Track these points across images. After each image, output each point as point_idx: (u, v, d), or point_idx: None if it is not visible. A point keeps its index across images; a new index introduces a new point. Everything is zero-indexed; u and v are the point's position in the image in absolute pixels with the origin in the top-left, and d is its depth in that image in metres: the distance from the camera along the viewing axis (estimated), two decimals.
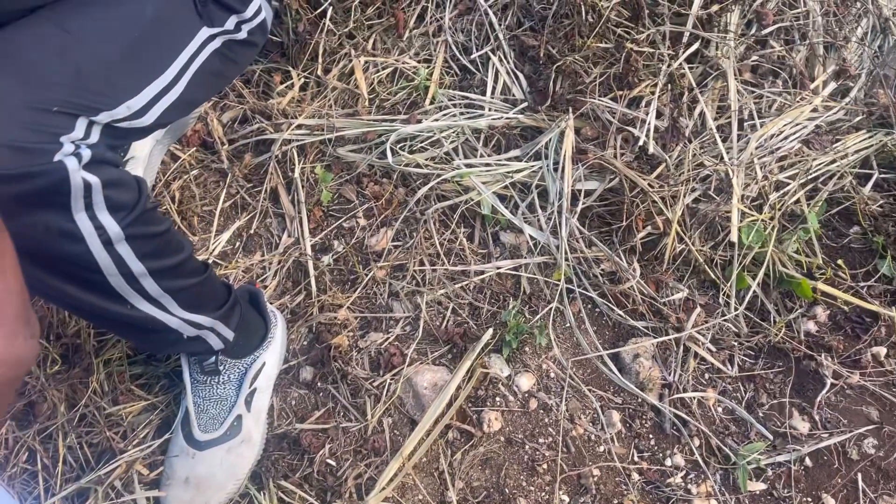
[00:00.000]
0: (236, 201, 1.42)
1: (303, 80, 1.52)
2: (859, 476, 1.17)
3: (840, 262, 1.35)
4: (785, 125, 1.42)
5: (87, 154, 0.72)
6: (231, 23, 0.95)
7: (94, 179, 0.72)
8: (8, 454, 1.09)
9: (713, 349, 1.28)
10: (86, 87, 0.75)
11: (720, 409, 1.24)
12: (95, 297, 0.81)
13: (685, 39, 1.52)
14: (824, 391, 1.23)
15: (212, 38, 0.91)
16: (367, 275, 1.31)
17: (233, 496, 1.10)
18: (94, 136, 0.75)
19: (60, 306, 1.00)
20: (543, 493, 1.14)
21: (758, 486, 1.17)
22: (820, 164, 1.39)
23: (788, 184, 1.36)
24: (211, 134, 1.47)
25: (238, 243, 1.37)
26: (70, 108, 0.73)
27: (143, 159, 1.32)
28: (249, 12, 0.96)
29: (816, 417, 1.22)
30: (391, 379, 1.20)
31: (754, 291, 1.30)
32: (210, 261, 1.33)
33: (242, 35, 0.96)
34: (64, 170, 0.70)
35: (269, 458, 1.15)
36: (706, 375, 1.27)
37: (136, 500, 1.07)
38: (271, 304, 1.27)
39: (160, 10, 0.85)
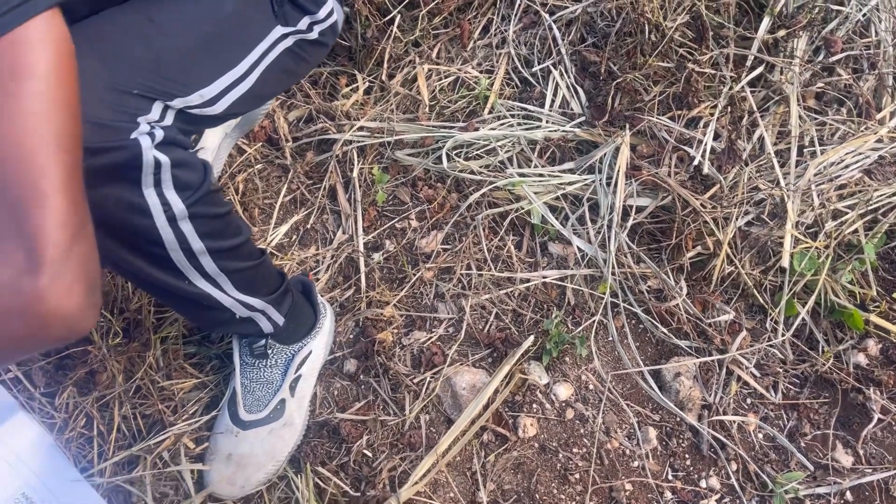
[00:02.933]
0: (296, 196, 1.47)
1: (367, 84, 1.57)
2: None
3: None
4: (847, 154, 1.40)
5: (160, 134, 0.77)
6: (304, 23, 1.00)
7: (164, 158, 0.77)
8: (67, 418, 1.16)
9: (757, 374, 1.27)
10: (164, 74, 0.81)
11: (760, 436, 1.23)
12: (157, 271, 0.86)
13: (749, 63, 1.51)
14: (870, 426, 1.21)
15: (285, 36, 0.96)
16: (415, 275, 1.35)
17: (272, 477, 1.14)
18: (168, 120, 0.81)
19: (126, 277, 1.06)
20: (573, 503, 1.15)
21: None
22: (881, 195, 1.37)
23: (846, 213, 1.34)
24: (277, 131, 1.53)
25: (295, 236, 1.43)
26: (148, 92, 0.79)
27: (212, 150, 1.39)
28: (322, 14, 1.01)
29: (860, 451, 1.20)
30: (431, 377, 1.23)
31: (803, 319, 1.28)
32: (267, 251, 1.38)
33: (314, 35, 1.01)
34: (138, 147, 0.75)
35: (309, 443, 1.18)
36: (748, 400, 1.26)
37: (182, 471, 1.12)
38: (322, 296, 1.31)
39: (239, 8, 0.90)
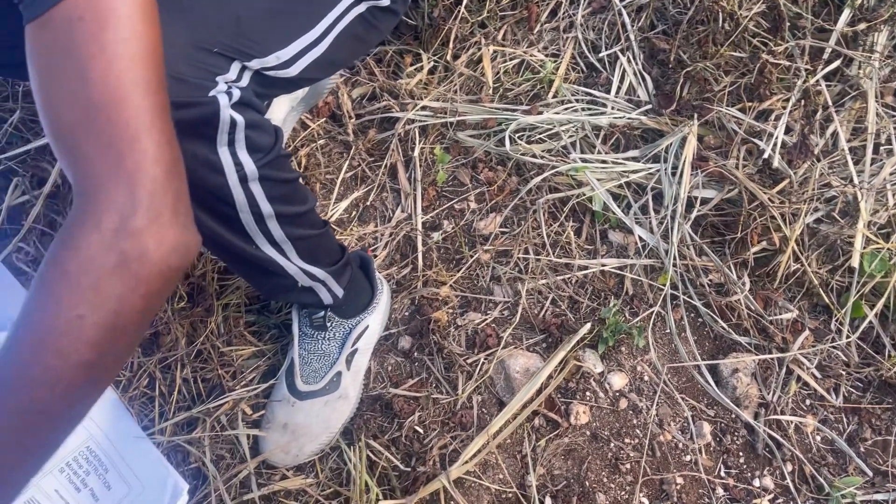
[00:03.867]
0: (357, 173, 1.48)
1: (432, 63, 1.57)
2: None
3: None
4: None
5: (236, 94, 0.78)
6: None
7: (239, 118, 0.78)
8: (131, 377, 1.20)
9: (818, 375, 1.24)
10: (242, 34, 0.82)
11: (818, 438, 1.20)
12: (227, 232, 0.88)
13: (826, 56, 1.47)
14: None
15: (358, 1, 0.97)
16: (472, 256, 1.35)
17: (325, 447, 1.16)
18: (245, 81, 0.82)
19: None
20: (623, 493, 1.14)
21: None
22: None
23: None
24: (340, 107, 1.54)
25: (354, 213, 1.44)
26: (227, 51, 0.80)
27: (278, 122, 1.41)
28: None
29: None
30: (485, 358, 1.23)
31: (870, 322, 1.25)
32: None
33: (385, 2, 1.01)
34: (216, 104, 0.76)
35: (362, 416, 1.20)
36: (807, 401, 1.23)
37: (238, 435, 1.14)
38: (379, 273, 1.32)
39: None
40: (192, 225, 0.64)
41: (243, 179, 0.82)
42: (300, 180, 0.92)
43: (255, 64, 0.83)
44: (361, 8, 0.97)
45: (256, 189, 0.84)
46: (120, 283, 0.59)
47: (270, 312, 1.28)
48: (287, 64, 0.88)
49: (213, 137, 0.78)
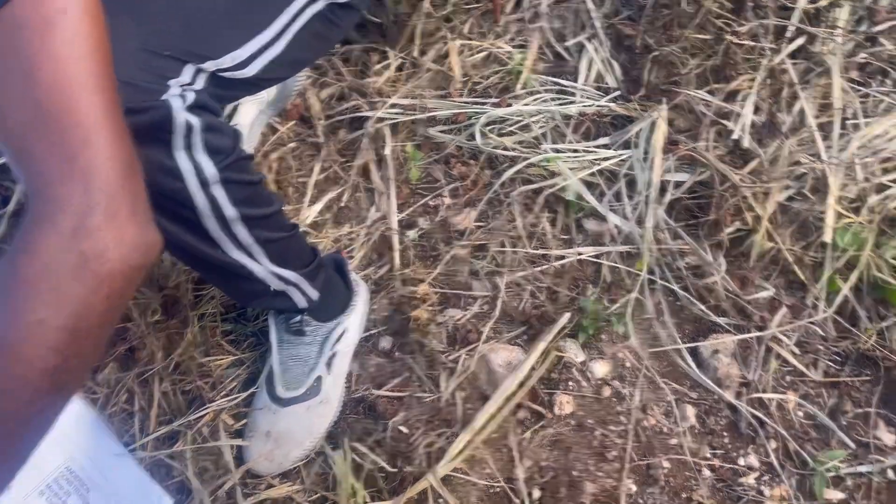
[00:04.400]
0: (329, 174, 1.47)
1: (399, 60, 1.56)
2: None
3: None
4: (891, 125, 1.36)
5: (191, 97, 0.77)
6: None
7: (195, 121, 0.77)
8: (109, 394, 1.18)
9: (797, 351, 1.25)
10: (195, 36, 0.81)
11: (800, 414, 1.21)
12: (193, 238, 0.87)
13: (789, 34, 1.48)
14: None
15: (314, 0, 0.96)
16: (448, 252, 1.34)
17: (309, 453, 1.15)
18: (200, 83, 0.81)
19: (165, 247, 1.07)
20: (611, 480, 1.15)
21: (835, 495, 1.14)
22: None
23: (891, 187, 1.31)
24: (309, 109, 1.53)
25: (329, 215, 1.43)
26: (179, 54, 0.79)
27: (245, 127, 1.39)
28: None
29: None
30: (466, 354, 1.23)
31: (845, 296, 1.26)
32: (302, 230, 1.38)
33: None
34: (168, 108, 0.75)
35: (346, 420, 1.19)
36: (787, 378, 1.24)
37: (221, 446, 1.13)
38: (356, 274, 1.31)
39: None
40: (152, 223, 0.63)
41: (204, 183, 0.81)
42: (264, 182, 0.91)
43: (210, 65, 0.82)
44: (319, 5, 0.96)
45: (219, 192, 0.83)
46: (80, 284, 0.58)
47: (248, 320, 1.26)
48: (243, 64, 0.87)
49: (168, 142, 0.77)
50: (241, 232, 0.89)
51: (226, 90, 0.86)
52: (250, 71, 0.88)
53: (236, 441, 1.14)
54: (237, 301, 1.18)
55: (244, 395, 1.19)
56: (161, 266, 1.22)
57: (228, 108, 1.34)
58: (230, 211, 0.86)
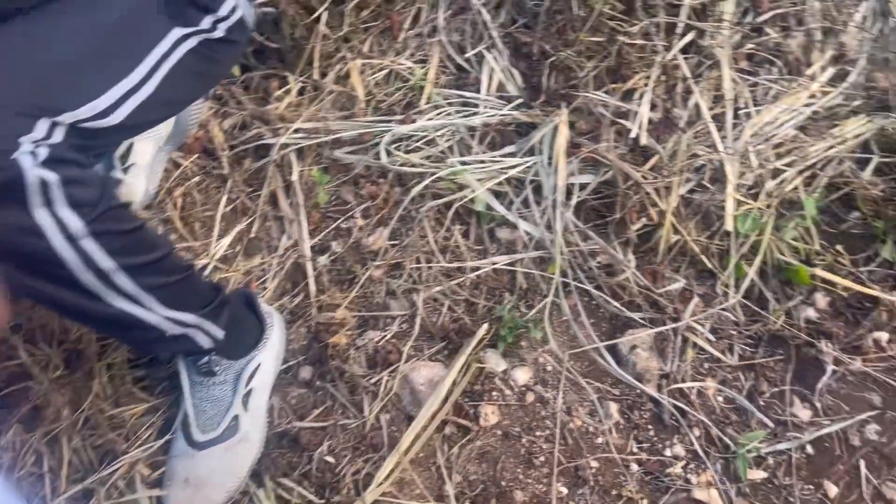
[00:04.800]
0: (237, 206, 1.44)
1: (300, 84, 1.55)
2: (862, 462, 1.16)
3: (840, 247, 1.33)
4: (780, 112, 1.42)
5: (44, 152, 0.74)
6: (206, 22, 0.96)
7: (51, 176, 0.74)
8: (15, 457, 1.13)
9: (712, 339, 1.27)
10: (45, 90, 0.78)
11: (720, 399, 1.24)
12: (70, 294, 0.83)
13: (679, 30, 1.52)
14: (825, 378, 1.22)
15: (186, 37, 0.93)
16: (364, 274, 1.33)
17: (233, 494, 1.12)
18: (58, 136, 0.77)
19: (46, 306, 1.03)
20: (541, 486, 1.15)
21: (758, 475, 1.17)
22: (817, 150, 1.38)
23: (785, 171, 1.36)
24: (212, 141, 1.50)
25: (239, 247, 1.40)
26: (29, 110, 0.76)
27: (145, 166, 1.35)
28: (224, 10, 0.98)
29: (818, 404, 1.21)
30: (388, 376, 1.22)
31: (752, 280, 1.29)
32: (212, 265, 1.36)
33: (220, 33, 0.97)
34: (17, 167, 0.72)
35: (269, 456, 1.16)
36: (705, 365, 1.27)
37: (139, 499, 1.09)
38: (270, 305, 1.29)
39: (128, 13, 0.87)
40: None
41: (70, 239, 0.78)
42: (146, 228, 0.88)
43: (67, 118, 0.79)
44: (192, 43, 0.94)
45: (90, 246, 0.80)
46: None
47: (161, 364, 1.22)
48: (106, 113, 0.83)
49: (23, 201, 0.73)
50: (124, 282, 0.86)
51: (91, 140, 0.83)
52: (116, 118, 0.84)
53: (154, 492, 1.10)
54: (137, 350, 1.13)
55: (160, 442, 1.15)
56: (61, 320, 1.18)
57: (122, 147, 1.30)
58: (107, 263, 0.82)
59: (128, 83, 0.85)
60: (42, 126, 0.76)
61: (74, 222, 0.77)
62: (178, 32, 0.92)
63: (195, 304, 1.00)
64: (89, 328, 1.00)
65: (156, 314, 0.93)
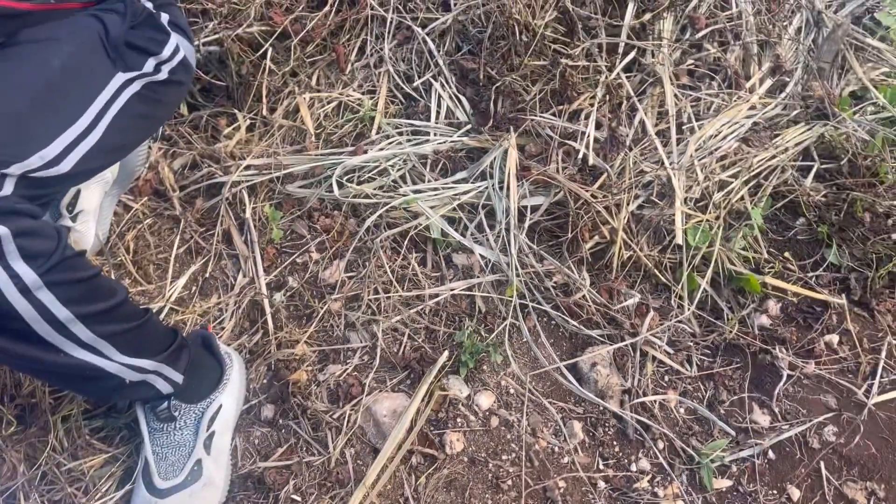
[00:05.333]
0: (191, 246, 1.43)
1: (249, 121, 1.54)
2: (822, 464, 1.18)
3: (787, 254, 1.37)
4: (723, 125, 1.45)
5: None
6: (149, 65, 0.96)
7: (2, 230, 0.74)
8: None
9: (670, 351, 1.29)
10: None
11: (682, 410, 1.25)
12: (26, 348, 0.82)
13: (621, 50, 1.55)
14: (782, 383, 1.25)
15: (129, 82, 0.93)
16: (322, 308, 1.32)
17: None
18: (8, 188, 0.77)
19: (1, 362, 1.01)
20: None
21: (724, 483, 1.18)
22: (761, 160, 1.42)
23: (731, 182, 1.39)
24: (162, 182, 1.48)
25: (194, 288, 1.38)
26: None
27: (93, 211, 1.34)
28: (167, 53, 0.98)
29: (776, 410, 1.24)
30: (351, 409, 1.21)
31: (705, 291, 1.32)
32: (167, 307, 1.34)
33: (163, 75, 0.98)
34: None
35: (234, 498, 1.15)
36: (665, 378, 1.28)
37: None
38: (229, 345, 1.27)
39: (68, 60, 0.87)
40: None
41: (24, 291, 0.77)
42: (101, 275, 0.87)
43: (16, 169, 0.78)
44: (136, 87, 0.94)
45: (45, 297, 0.79)
46: None
47: (118, 413, 1.20)
48: (55, 162, 0.83)
49: None
50: (81, 331, 0.85)
51: (40, 189, 0.82)
52: (65, 167, 0.84)
53: None
54: (95, 400, 1.11)
55: (121, 493, 1.12)
56: (11, 376, 1.15)
57: (69, 195, 1.28)
58: (62, 313, 0.82)
59: (75, 130, 0.85)
60: None
61: (29, 275, 0.77)
62: (121, 78, 0.92)
63: (153, 349, 0.99)
64: (46, 382, 0.98)
65: (114, 363, 0.91)
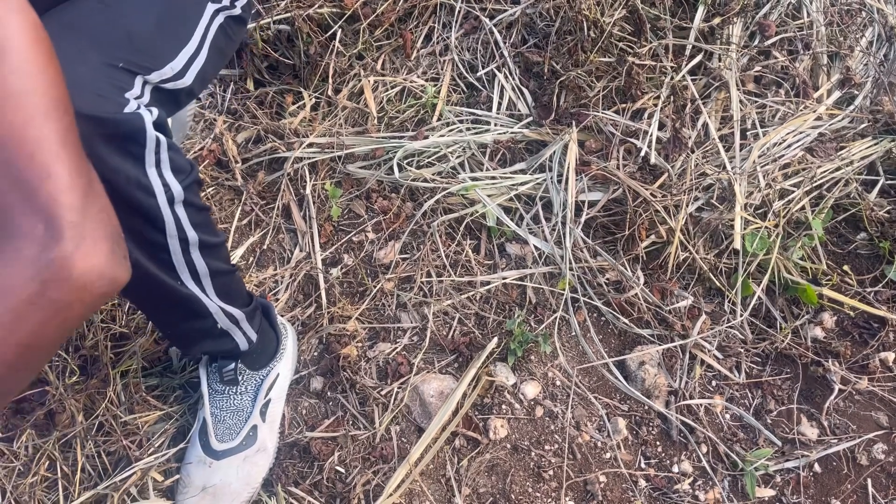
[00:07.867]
0: (250, 218, 1.46)
1: (314, 100, 1.57)
2: (869, 482, 1.16)
3: (846, 268, 1.35)
4: (788, 133, 1.44)
5: (155, 112, 0.78)
6: None
7: (162, 138, 0.79)
8: (28, 462, 1.13)
9: (719, 356, 1.29)
10: (137, 49, 0.82)
11: (728, 416, 1.25)
12: (154, 266, 0.87)
13: (688, 52, 1.54)
14: (832, 397, 1.23)
15: (217, 12, 0.98)
16: (375, 287, 1.34)
17: (246, 503, 1.12)
18: (147, 97, 0.82)
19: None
20: (549, 500, 1.15)
21: (766, 493, 1.17)
22: (824, 172, 1.40)
23: (793, 191, 1.37)
24: (226, 153, 1.52)
25: (252, 258, 1.41)
26: (130, 66, 0.80)
27: None
28: None
29: (825, 423, 1.22)
30: (398, 387, 1.22)
31: (759, 298, 1.31)
32: None
33: (237, 11, 1.03)
34: (141, 120, 0.76)
35: (280, 465, 1.17)
36: (713, 382, 1.28)
37: None
38: (282, 316, 1.30)
39: None
40: (118, 252, 0.62)
41: (171, 201, 0.82)
42: (211, 210, 0.92)
43: (154, 77, 0.84)
44: (220, 19, 0.99)
45: (181, 212, 0.84)
46: (38, 310, 0.58)
47: (174, 373, 1.24)
48: (181, 74, 0.89)
49: (141, 157, 0.77)
50: (198, 258, 0.90)
51: (167, 104, 0.87)
52: (187, 80, 0.90)
53: (162, 501, 1.10)
54: (180, 346, 1.12)
55: (174, 450, 1.16)
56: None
57: None
58: (191, 233, 0.87)
59: (190, 48, 0.91)
60: (138, 83, 0.80)
61: (175, 186, 0.82)
62: (211, 7, 0.98)
63: (240, 300, 1.03)
64: (152, 312, 1.00)
65: (213, 302, 0.96)
